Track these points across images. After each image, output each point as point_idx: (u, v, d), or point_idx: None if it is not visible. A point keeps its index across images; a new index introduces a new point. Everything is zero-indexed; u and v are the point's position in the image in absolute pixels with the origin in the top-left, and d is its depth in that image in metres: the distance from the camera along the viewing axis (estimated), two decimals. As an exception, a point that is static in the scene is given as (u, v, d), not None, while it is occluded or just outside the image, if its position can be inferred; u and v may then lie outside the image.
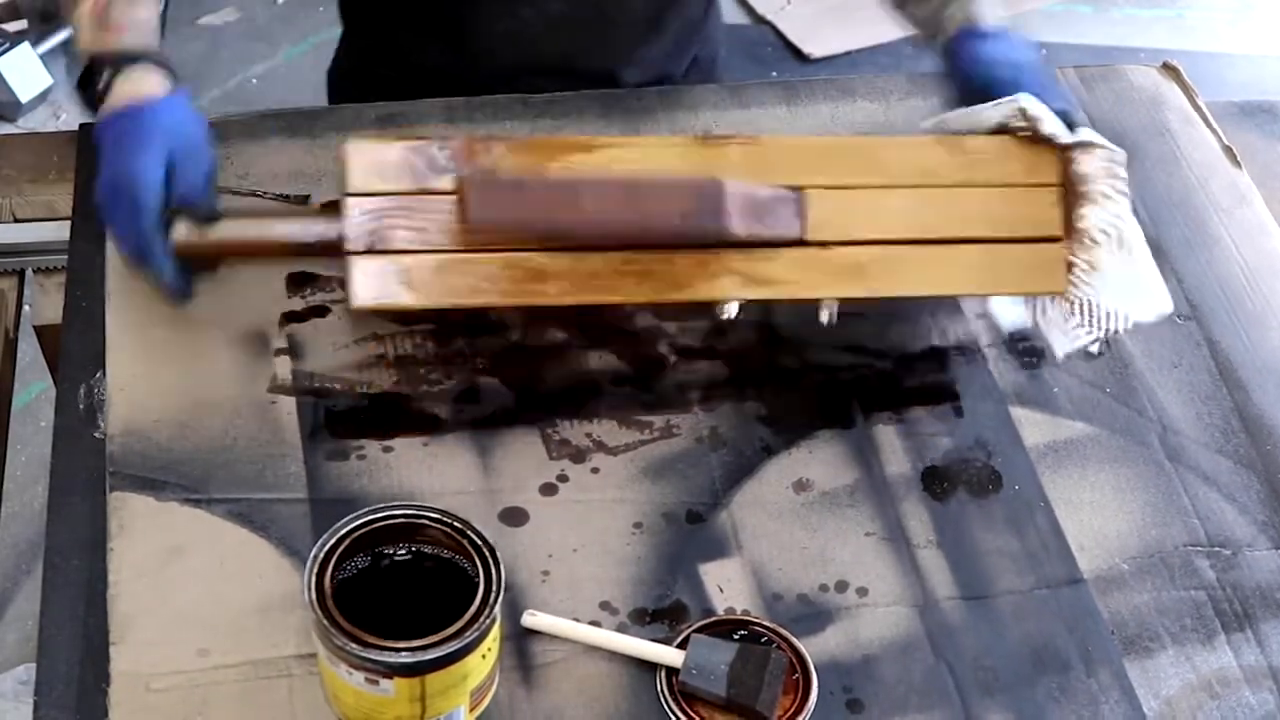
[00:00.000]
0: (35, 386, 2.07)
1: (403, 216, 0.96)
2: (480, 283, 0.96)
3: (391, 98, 1.24)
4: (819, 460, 1.02)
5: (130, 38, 1.07)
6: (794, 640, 0.91)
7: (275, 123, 1.21)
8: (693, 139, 0.98)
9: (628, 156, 0.99)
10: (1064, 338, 1.04)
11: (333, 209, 0.99)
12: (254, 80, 2.78)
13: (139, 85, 1.04)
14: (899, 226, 1.02)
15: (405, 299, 0.96)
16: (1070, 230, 1.02)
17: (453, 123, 1.18)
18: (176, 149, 1.01)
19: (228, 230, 1.00)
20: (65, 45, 2.75)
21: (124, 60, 1.05)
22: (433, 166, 0.97)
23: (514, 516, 0.97)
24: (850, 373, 1.08)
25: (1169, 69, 1.37)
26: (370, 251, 0.95)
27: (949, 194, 1.03)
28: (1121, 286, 1.03)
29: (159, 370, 1.02)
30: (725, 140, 0.98)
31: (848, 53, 2.89)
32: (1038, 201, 1.04)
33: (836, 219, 1.01)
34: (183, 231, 0.99)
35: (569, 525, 0.97)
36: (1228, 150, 1.29)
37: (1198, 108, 1.33)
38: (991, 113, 1.04)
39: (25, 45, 2.60)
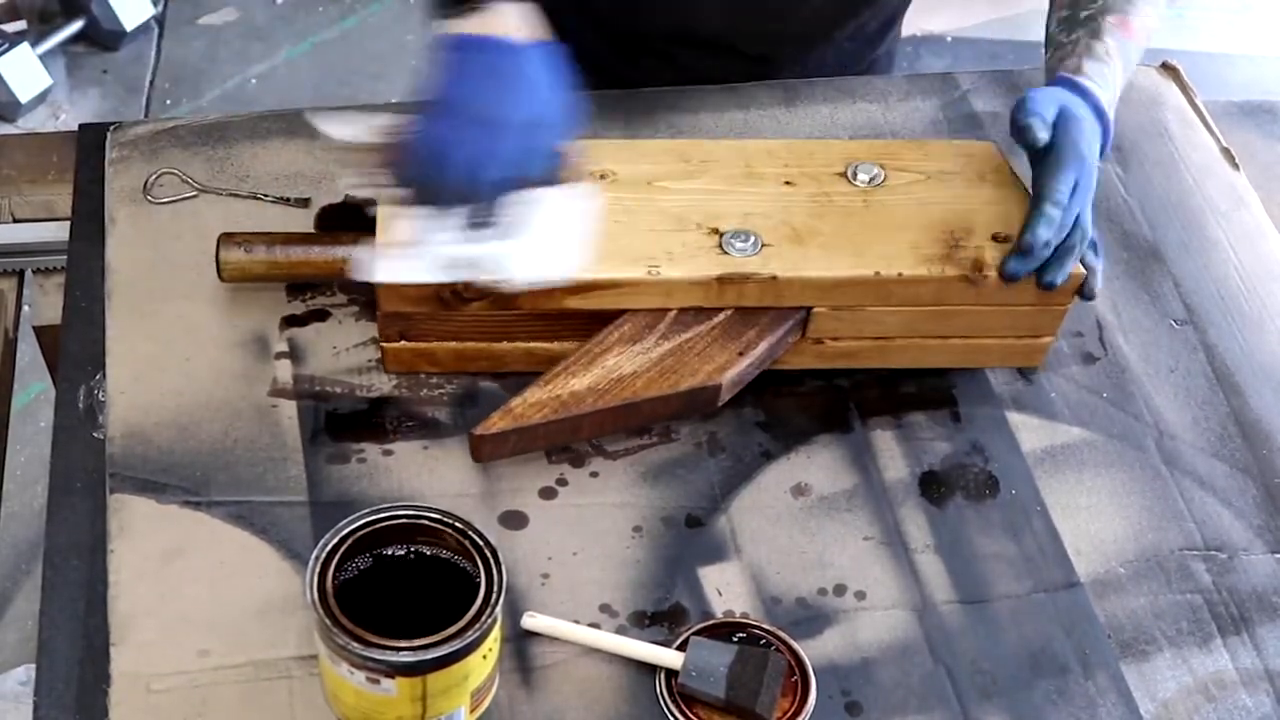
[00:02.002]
0: (35, 386, 2.07)
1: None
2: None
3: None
4: (817, 465, 1.02)
5: None
6: (793, 643, 0.92)
7: (275, 123, 1.21)
8: (714, 279, 1.00)
9: (651, 294, 1.00)
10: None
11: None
12: (254, 80, 2.78)
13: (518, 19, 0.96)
14: (896, 330, 1.04)
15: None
16: None
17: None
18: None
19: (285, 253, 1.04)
20: (64, 45, 2.75)
21: None
22: (460, 297, 0.99)
23: (513, 520, 0.97)
24: (848, 378, 1.08)
25: (1168, 69, 1.37)
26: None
27: (954, 309, 1.03)
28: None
29: (160, 373, 1.02)
30: (744, 278, 1.00)
31: (847, 53, 2.88)
32: (1044, 314, 1.05)
33: (836, 327, 1.03)
34: (237, 255, 1.04)
35: (568, 528, 0.97)
36: (1226, 152, 1.29)
37: (1197, 108, 1.33)
38: None
39: (25, 45, 2.60)
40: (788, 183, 1.06)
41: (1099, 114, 1.04)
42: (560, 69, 0.94)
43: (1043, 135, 1.00)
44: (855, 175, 1.07)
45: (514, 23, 0.95)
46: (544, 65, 0.93)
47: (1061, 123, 1.01)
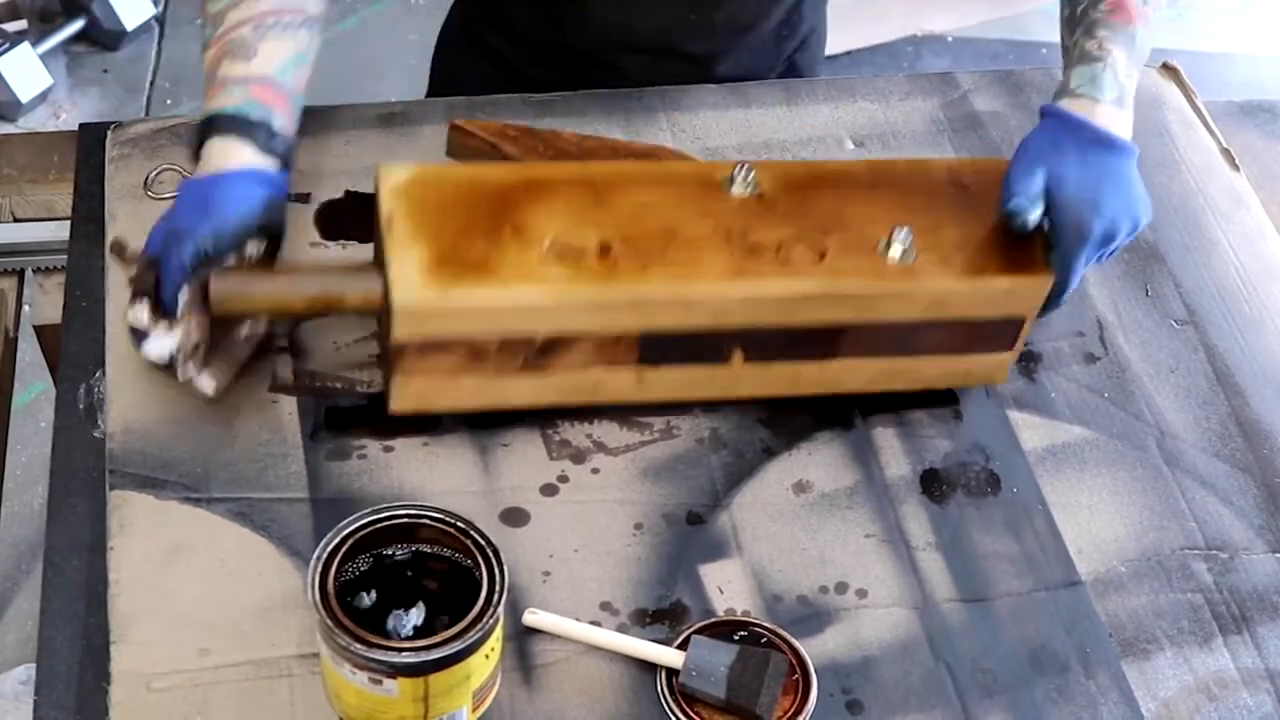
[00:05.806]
0: (35, 386, 2.07)
1: None
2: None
3: (493, 66, 1.33)
4: (819, 462, 1.02)
5: (222, 100, 1.00)
6: (794, 641, 0.92)
7: (276, 123, 1.21)
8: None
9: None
10: None
11: (368, 268, 0.98)
12: (254, 80, 2.78)
13: (221, 157, 0.99)
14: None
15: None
16: None
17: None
18: (219, 227, 0.95)
19: (263, 288, 0.98)
20: (65, 45, 2.75)
21: (212, 127, 0.99)
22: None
23: (515, 517, 0.97)
24: (850, 375, 1.08)
25: (1169, 69, 1.37)
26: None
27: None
28: None
29: (159, 370, 1.02)
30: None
31: (848, 53, 2.89)
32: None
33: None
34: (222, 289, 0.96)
35: (570, 526, 0.97)
36: (1226, 153, 1.29)
37: (1197, 109, 1.33)
38: None
39: (25, 45, 2.60)
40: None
41: (1100, 141, 1.00)
42: (254, 188, 0.98)
43: (1033, 216, 0.97)
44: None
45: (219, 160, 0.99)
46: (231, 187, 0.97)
47: (1054, 189, 0.97)
